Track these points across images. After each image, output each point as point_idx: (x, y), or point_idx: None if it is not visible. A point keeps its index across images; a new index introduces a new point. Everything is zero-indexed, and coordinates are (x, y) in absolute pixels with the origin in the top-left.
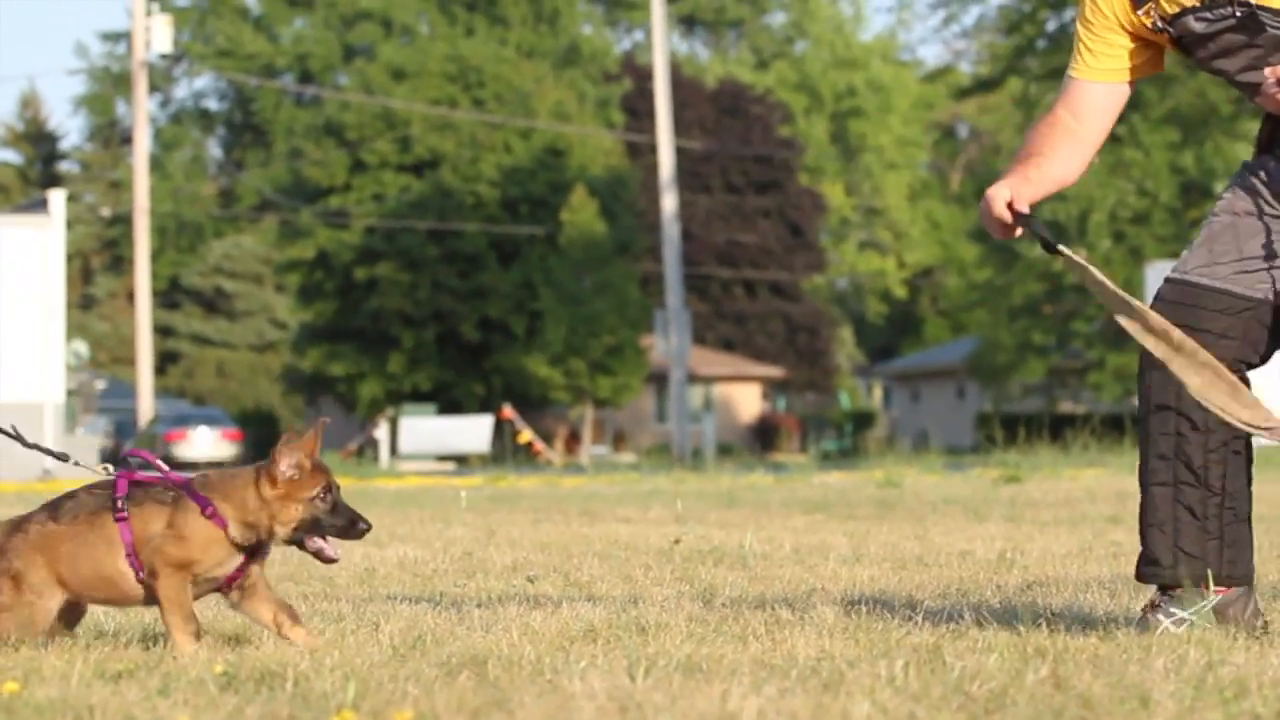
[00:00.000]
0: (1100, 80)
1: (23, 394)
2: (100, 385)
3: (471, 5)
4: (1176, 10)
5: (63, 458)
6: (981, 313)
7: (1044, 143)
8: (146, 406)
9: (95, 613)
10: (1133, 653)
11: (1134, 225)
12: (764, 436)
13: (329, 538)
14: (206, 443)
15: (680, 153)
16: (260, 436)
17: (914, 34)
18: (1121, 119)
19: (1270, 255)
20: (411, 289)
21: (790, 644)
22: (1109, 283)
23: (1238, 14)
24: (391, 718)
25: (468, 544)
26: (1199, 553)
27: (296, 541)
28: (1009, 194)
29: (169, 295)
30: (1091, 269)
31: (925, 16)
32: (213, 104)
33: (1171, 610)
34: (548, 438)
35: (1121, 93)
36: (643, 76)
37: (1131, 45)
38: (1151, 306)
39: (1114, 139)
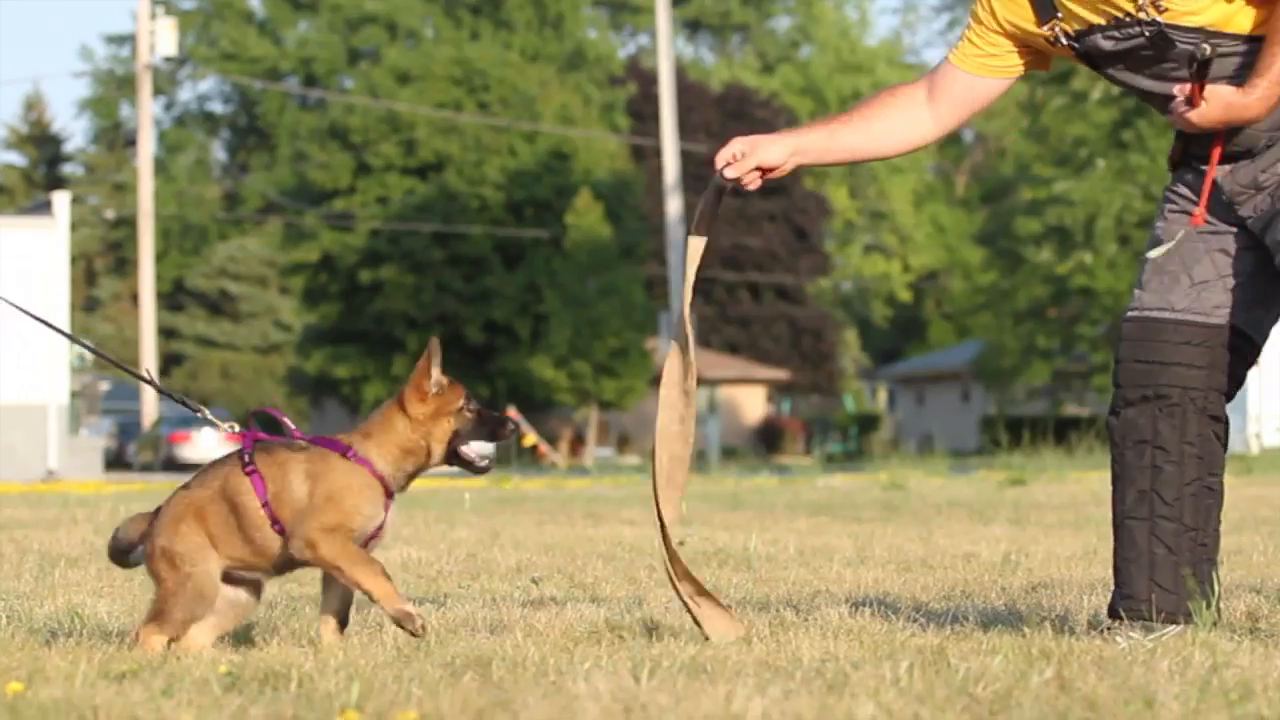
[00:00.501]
0: (970, 71)
1: (27, 395)
2: (104, 387)
3: (476, 9)
4: (1083, 28)
5: (197, 410)
6: (986, 316)
7: (862, 109)
8: (150, 408)
9: (98, 612)
10: (1137, 655)
11: (1140, 230)
12: (769, 439)
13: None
14: (211, 444)
15: (685, 156)
16: None
17: (919, 37)
18: (1127, 125)
19: (1220, 273)
20: (416, 291)
21: (795, 646)
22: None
23: (1146, 33)
24: (395, 718)
25: (472, 545)
26: (1173, 587)
27: (449, 458)
28: (761, 155)
29: (173, 297)
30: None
31: (930, 19)
32: (217, 107)
33: (1131, 634)
34: (552, 440)
35: (988, 86)
36: (647, 80)
37: (1014, 49)
38: (1121, 346)
39: (1120, 145)
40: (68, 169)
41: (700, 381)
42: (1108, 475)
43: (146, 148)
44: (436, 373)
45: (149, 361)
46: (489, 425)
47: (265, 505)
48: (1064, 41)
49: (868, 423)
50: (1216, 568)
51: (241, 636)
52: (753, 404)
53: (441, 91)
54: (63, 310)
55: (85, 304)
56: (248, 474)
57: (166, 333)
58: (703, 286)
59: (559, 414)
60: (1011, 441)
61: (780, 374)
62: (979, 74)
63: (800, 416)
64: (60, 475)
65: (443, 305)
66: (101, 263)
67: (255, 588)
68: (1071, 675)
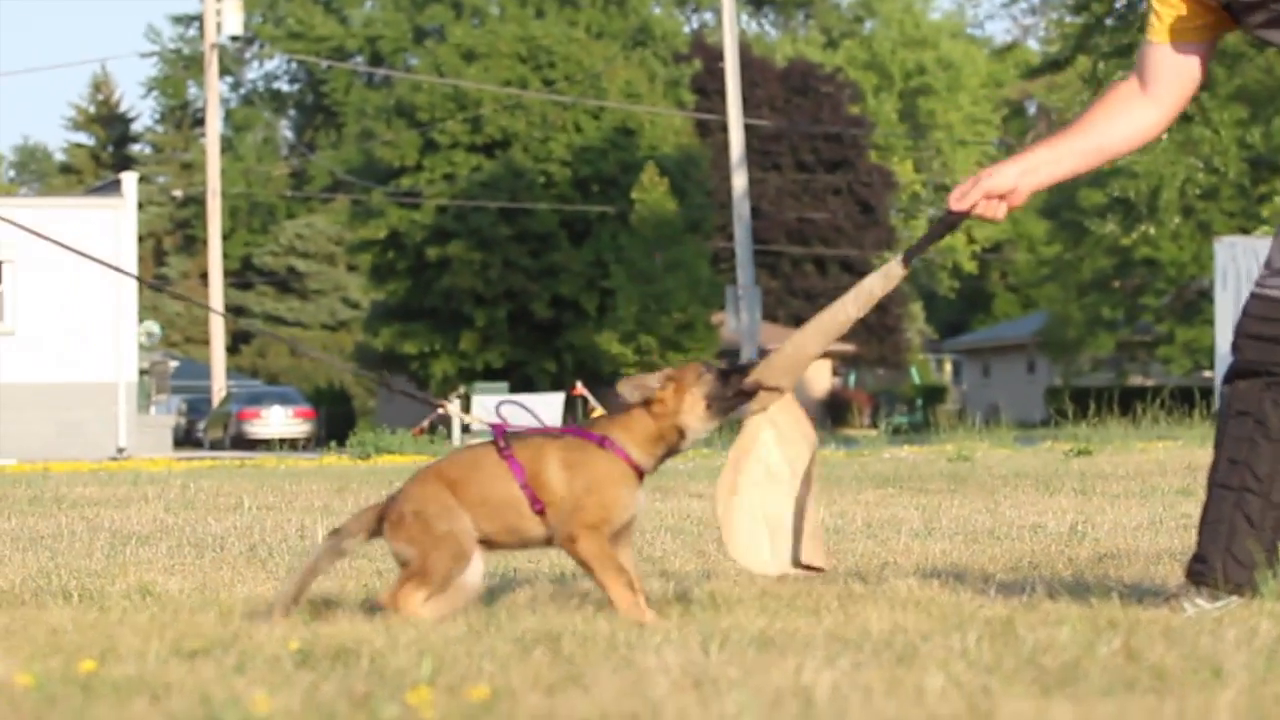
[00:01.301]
0: (1167, 41)
1: (97, 374)
2: (173, 365)
3: None
4: None
5: (439, 406)
6: (1051, 288)
7: (1083, 120)
8: (219, 385)
9: (170, 589)
10: (1204, 625)
11: (1203, 201)
12: (835, 412)
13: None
14: (279, 421)
15: (750, 131)
16: (333, 414)
17: (981, 9)
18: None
19: None
20: (483, 268)
21: (863, 618)
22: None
23: None
24: (467, 693)
25: None
26: (1246, 560)
27: (717, 416)
28: (989, 183)
29: (241, 275)
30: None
31: None
32: (284, 86)
33: (1198, 601)
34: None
35: (1190, 55)
36: (712, 56)
37: (1195, 7)
38: (1241, 319)
39: (1183, 118)
40: (135, 149)
41: (765, 355)
42: (1173, 445)
43: (214, 127)
44: (650, 380)
45: (217, 338)
46: (734, 375)
47: (525, 487)
48: None
49: (933, 395)
50: None
51: (314, 613)
52: (819, 377)
53: (507, 69)
54: (132, 289)
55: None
56: (504, 458)
57: (236, 310)
58: (768, 260)
59: None
60: (1077, 412)
61: (846, 347)
62: (1177, 41)
63: (866, 389)
64: (130, 453)
65: (510, 281)
66: (170, 241)
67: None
68: (1139, 645)
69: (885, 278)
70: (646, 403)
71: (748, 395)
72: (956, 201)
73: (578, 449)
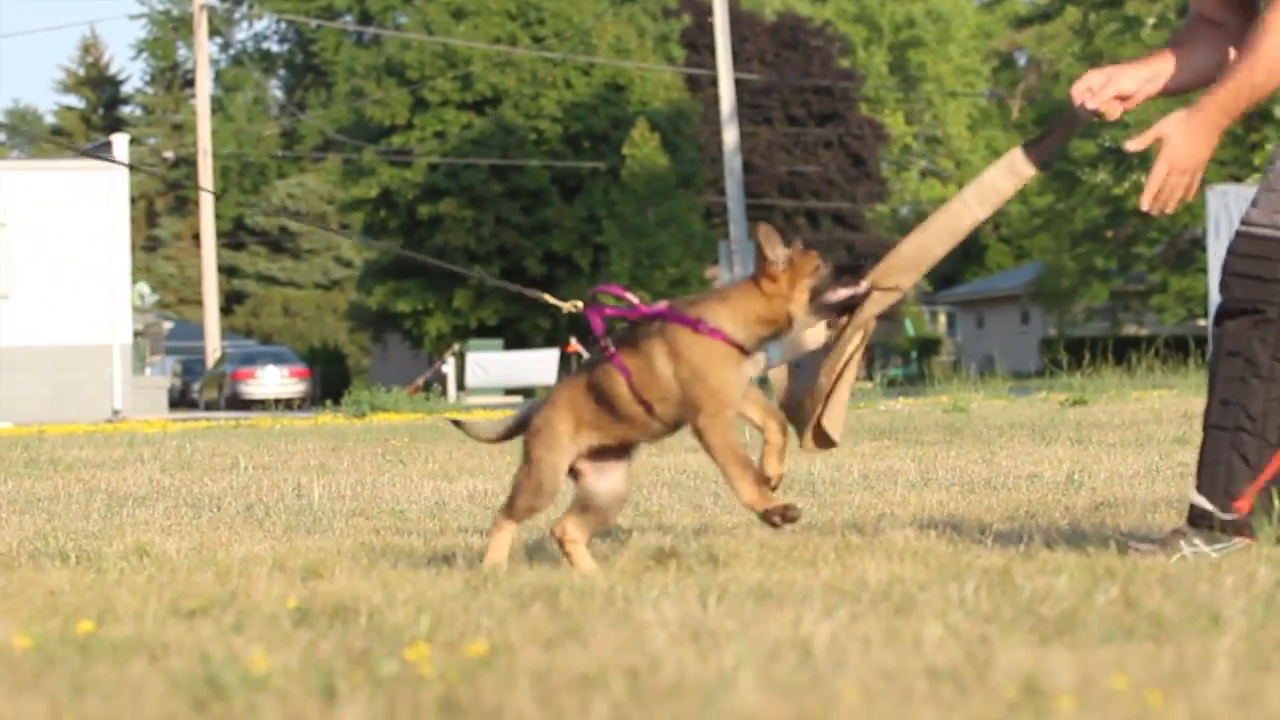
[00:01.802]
0: None
1: (91, 336)
2: (167, 326)
3: None
4: None
5: (538, 297)
6: (1044, 238)
7: (1180, 41)
8: (214, 346)
9: (167, 550)
10: (1202, 571)
11: None
12: None
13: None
14: (274, 380)
15: (740, 86)
16: (328, 374)
17: None
18: None
19: None
20: (475, 225)
21: (861, 569)
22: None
23: None
24: (466, 649)
25: None
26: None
27: (817, 310)
28: (1119, 84)
29: (234, 235)
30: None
31: None
32: (273, 46)
33: (1195, 542)
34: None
35: None
36: (702, 11)
37: None
38: (1227, 258)
39: None
40: (126, 111)
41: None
42: (1168, 394)
43: (204, 88)
44: (775, 252)
45: (211, 299)
46: (843, 275)
47: (631, 388)
48: None
49: (928, 346)
50: None
51: (310, 571)
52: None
53: (496, 26)
54: (124, 251)
55: (147, 244)
56: (609, 359)
57: (228, 271)
58: (760, 214)
59: None
60: (1072, 362)
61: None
62: None
63: None
64: (125, 415)
65: (502, 238)
66: (162, 203)
67: (626, 474)
68: (1136, 593)
69: (1012, 174)
70: (759, 277)
71: (857, 300)
72: (1089, 99)
73: (674, 336)
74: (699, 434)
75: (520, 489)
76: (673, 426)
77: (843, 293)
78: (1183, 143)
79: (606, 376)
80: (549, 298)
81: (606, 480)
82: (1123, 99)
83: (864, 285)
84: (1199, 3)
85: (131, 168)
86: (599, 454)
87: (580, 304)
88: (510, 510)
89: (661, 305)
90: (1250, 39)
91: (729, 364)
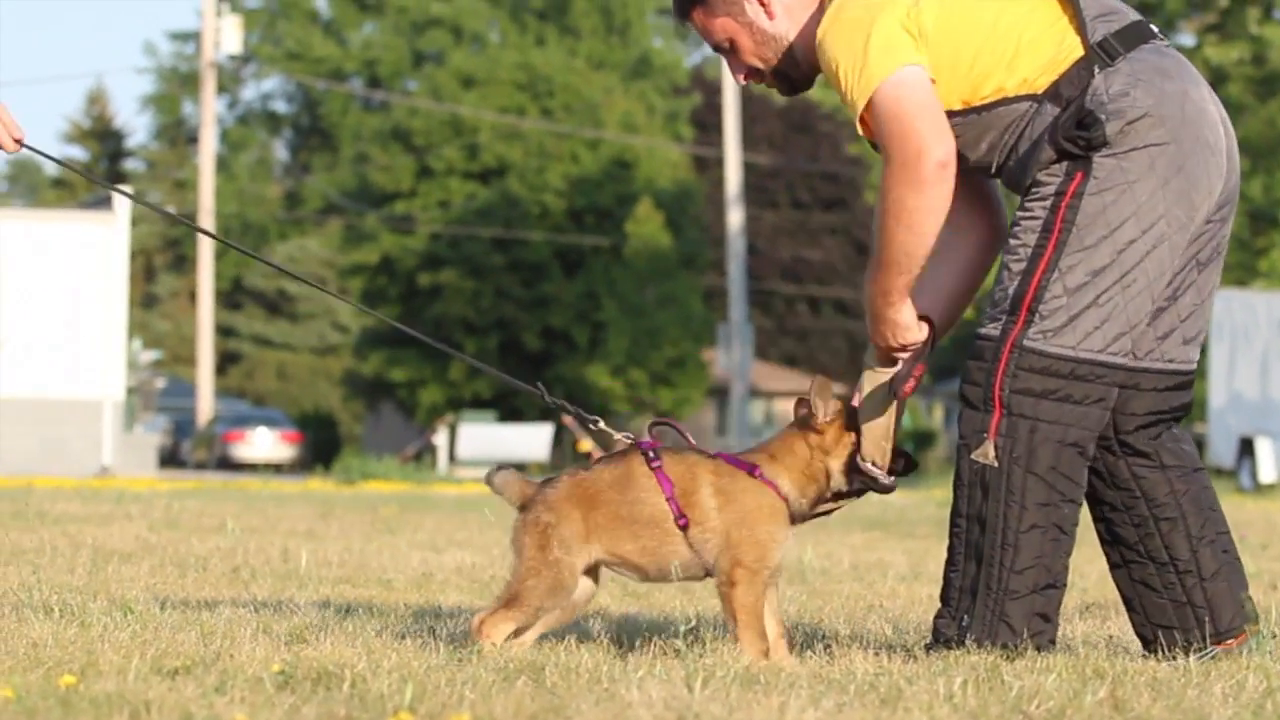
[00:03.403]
0: None
1: (83, 390)
2: (160, 384)
3: (543, 15)
4: None
5: (590, 420)
6: None
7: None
8: (206, 406)
9: (151, 608)
10: (1191, 677)
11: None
12: None
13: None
14: (266, 444)
15: (748, 168)
16: (319, 439)
17: None
18: None
19: None
20: (475, 296)
21: (848, 659)
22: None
23: None
24: None
25: None
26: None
27: (850, 475)
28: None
29: (231, 296)
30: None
31: None
32: (280, 106)
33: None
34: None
35: None
36: (712, 91)
37: None
38: None
39: None
40: (129, 165)
41: (756, 393)
42: None
43: (209, 145)
44: (824, 407)
45: (205, 358)
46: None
47: (671, 500)
48: None
49: (924, 439)
50: None
51: (295, 635)
52: None
53: (505, 96)
54: (121, 306)
55: (144, 300)
56: (653, 469)
57: (224, 331)
58: (762, 298)
59: (615, 422)
60: None
61: (836, 388)
62: None
63: None
64: (114, 471)
65: (501, 311)
66: (161, 259)
67: (594, 583)
68: (1125, 695)
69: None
70: (804, 429)
71: (881, 487)
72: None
73: (729, 475)
74: (730, 584)
75: (528, 590)
76: (688, 568)
77: (874, 471)
78: (882, 335)
79: (646, 485)
80: (600, 422)
81: (585, 581)
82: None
83: (892, 478)
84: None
85: (157, 208)
86: None
87: (631, 436)
88: (517, 608)
89: (717, 452)
90: (877, 211)
91: (779, 517)
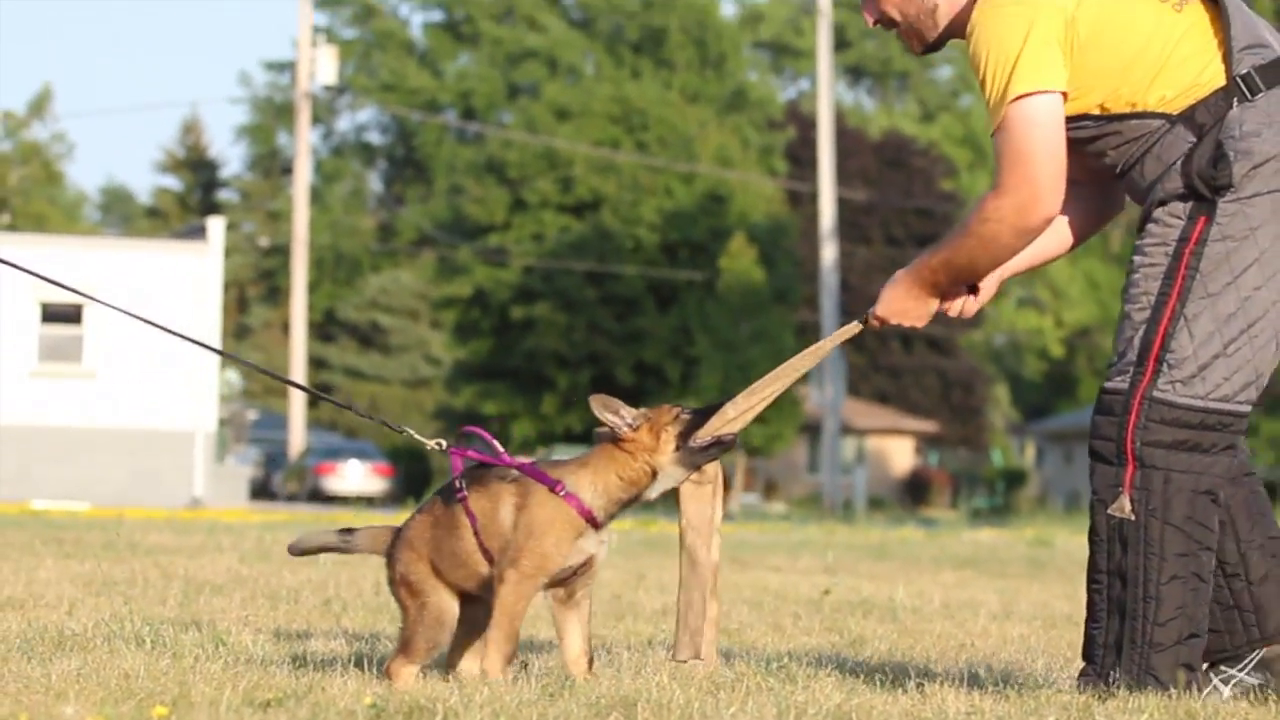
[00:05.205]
0: None
1: (175, 422)
2: (252, 416)
3: (638, 47)
4: None
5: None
6: None
7: None
8: (298, 438)
9: (243, 639)
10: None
11: None
12: (915, 491)
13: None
14: (357, 476)
15: (842, 203)
16: (411, 472)
17: None
18: None
19: None
20: (568, 330)
21: (940, 698)
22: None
23: None
24: None
25: (617, 587)
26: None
27: (686, 459)
28: None
29: (324, 327)
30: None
31: None
32: (374, 137)
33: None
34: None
35: None
36: (807, 125)
37: None
38: None
39: None
40: (223, 195)
41: (848, 430)
42: None
43: (303, 176)
44: (614, 419)
45: (298, 392)
46: (706, 415)
47: (476, 535)
48: None
49: (1015, 478)
50: None
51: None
52: (900, 455)
53: (600, 129)
54: (214, 336)
55: (236, 331)
56: (459, 502)
57: (316, 362)
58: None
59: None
60: None
61: (929, 426)
62: None
63: (947, 469)
64: (205, 503)
65: (594, 345)
66: (254, 290)
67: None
68: None
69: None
70: (617, 440)
71: (726, 444)
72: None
73: (527, 490)
74: (500, 582)
75: (415, 633)
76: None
77: (705, 442)
78: (890, 300)
79: (455, 521)
80: (413, 433)
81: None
82: (974, 292)
83: (734, 431)
84: None
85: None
86: None
87: (443, 443)
88: (410, 653)
89: (524, 460)
90: (968, 219)
91: (568, 531)
